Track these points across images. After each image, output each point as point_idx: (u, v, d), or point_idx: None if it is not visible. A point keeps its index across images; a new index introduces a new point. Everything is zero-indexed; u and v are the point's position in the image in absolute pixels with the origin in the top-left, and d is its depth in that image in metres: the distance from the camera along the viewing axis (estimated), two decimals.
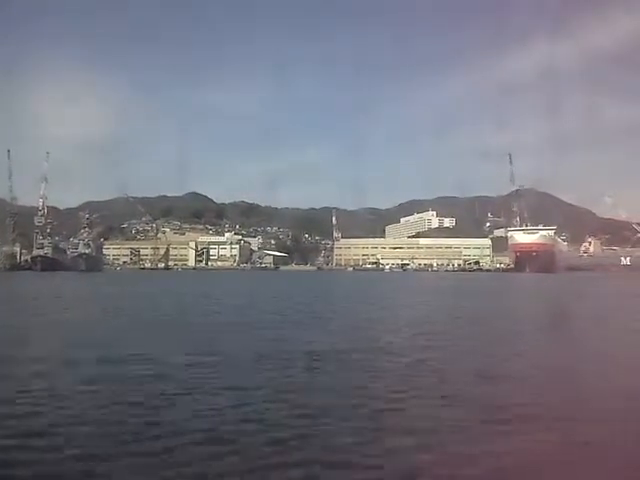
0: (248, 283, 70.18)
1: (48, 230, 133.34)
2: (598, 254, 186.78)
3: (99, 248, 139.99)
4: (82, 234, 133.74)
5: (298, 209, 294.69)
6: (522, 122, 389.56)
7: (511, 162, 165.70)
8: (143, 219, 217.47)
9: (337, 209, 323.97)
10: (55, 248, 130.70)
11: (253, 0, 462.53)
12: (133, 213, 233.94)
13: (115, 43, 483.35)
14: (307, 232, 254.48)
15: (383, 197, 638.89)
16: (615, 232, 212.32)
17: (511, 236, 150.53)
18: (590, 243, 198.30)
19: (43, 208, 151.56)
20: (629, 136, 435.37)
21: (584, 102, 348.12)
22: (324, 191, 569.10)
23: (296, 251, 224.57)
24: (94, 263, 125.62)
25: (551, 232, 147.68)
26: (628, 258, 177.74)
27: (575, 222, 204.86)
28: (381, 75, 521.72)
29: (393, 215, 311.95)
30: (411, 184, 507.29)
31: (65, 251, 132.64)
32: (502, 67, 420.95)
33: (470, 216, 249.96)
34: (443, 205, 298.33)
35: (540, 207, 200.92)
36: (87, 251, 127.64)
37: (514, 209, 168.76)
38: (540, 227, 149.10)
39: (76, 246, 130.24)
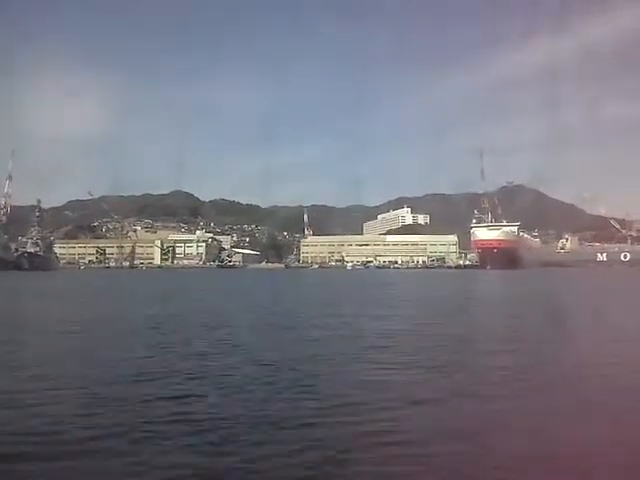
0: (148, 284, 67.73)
1: None
2: (576, 250, 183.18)
3: (49, 247, 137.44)
4: (31, 232, 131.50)
5: (287, 207, 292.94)
6: (520, 120, 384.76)
7: (482, 158, 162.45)
8: (116, 217, 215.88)
9: (325, 206, 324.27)
10: (4, 247, 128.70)
11: None
12: (114, 212, 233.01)
13: (113, 43, 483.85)
14: (287, 230, 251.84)
15: (378, 195, 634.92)
16: (602, 229, 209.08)
17: (473, 233, 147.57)
18: (567, 239, 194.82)
19: (6, 206, 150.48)
20: (625, 134, 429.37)
21: (582, 100, 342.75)
22: (319, 189, 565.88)
23: (272, 249, 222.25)
24: (41, 262, 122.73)
25: (514, 228, 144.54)
26: (604, 254, 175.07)
27: (563, 219, 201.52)
28: (380, 73, 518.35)
29: (380, 212, 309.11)
30: (407, 182, 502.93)
31: (17, 250, 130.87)
32: (501, 65, 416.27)
33: (457, 213, 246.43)
34: (432, 202, 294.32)
35: (526, 204, 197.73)
36: (33, 250, 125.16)
37: (484, 205, 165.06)
38: (503, 223, 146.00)
39: (24, 245, 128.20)
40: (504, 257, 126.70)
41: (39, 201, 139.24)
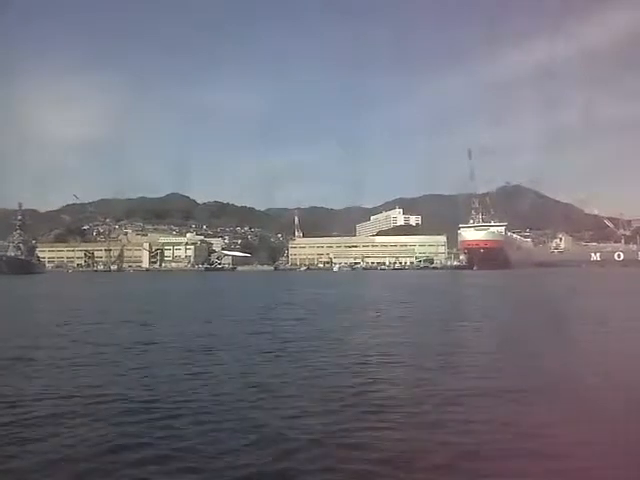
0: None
1: None
2: (570, 250, 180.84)
3: (31, 251, 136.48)
4: (14, 236, 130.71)
5: (282, 209, 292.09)
6: (518, 120, 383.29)
7: (470, 157, 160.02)
8: (106, 220, 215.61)
9: (323, 209, 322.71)
10: None
11: None
12: (108, 215, 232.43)
13: (112, 44, 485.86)
14: (282, 232, 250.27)
15: (377, 196, 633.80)
16: (599, 229, 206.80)
17: (460, 233, 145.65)
18: (561, 239, 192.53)
19: None
20: (622, 134, 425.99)
21: (580, 100, 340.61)
22: (318, 191, 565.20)
23: (264, 251, 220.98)
24: (22, 266, 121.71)
25: (501, 228, 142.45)
26: (598, 254, 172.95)
27: (561, 219, 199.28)
28: (379, 73, 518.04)
29: (377, 214, 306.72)
30: (406, 183, 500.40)
31: None
32: (500, 65, 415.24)
33: (455, 213, 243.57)
34: (430, 203, 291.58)
35: (523, 204, 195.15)
36: (14, 254, 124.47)
37: (474, 206, 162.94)
38: (490, 223, 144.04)
39: (5, 249, 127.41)
40: (491, 257, 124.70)
41: (20, 205, 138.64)
